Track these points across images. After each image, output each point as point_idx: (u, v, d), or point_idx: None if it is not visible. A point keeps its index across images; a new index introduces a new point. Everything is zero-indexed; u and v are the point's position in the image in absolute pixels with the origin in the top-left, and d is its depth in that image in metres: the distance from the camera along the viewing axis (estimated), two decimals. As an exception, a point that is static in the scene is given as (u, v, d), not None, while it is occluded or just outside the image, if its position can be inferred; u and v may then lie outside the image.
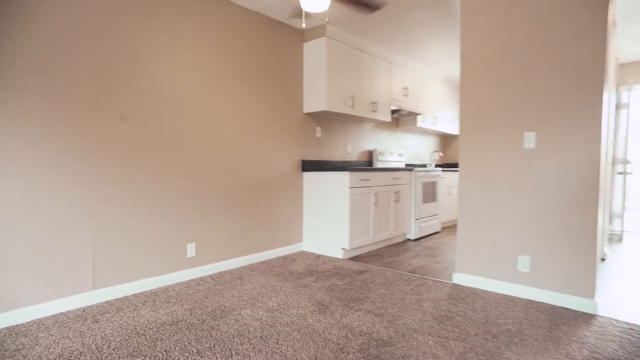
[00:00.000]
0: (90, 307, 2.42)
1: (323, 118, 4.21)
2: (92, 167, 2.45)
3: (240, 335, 2.01)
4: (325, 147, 4.26)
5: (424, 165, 6.20)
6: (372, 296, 2.62)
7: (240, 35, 3.31)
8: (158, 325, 2.14)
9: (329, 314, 2.30)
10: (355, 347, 1.88)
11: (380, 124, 5.19)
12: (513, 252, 2.64)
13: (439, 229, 5.17)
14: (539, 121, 2.52)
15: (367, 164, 4.93)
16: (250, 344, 1.92)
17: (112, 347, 1.87)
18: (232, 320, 2.20)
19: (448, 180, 5.52)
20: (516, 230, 2.63)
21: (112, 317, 2.26)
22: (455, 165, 6.80)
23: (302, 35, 3.92)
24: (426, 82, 5.59)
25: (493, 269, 2.73)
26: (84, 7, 2.38)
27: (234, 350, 1.85)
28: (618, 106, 4.19)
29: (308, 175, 3.95)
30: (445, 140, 7.04)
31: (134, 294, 2.65)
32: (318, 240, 3.88)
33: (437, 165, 6.72)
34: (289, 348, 1.87)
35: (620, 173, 4.41)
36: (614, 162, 4.08)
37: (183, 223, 2.94)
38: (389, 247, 4.23)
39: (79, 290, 2.42)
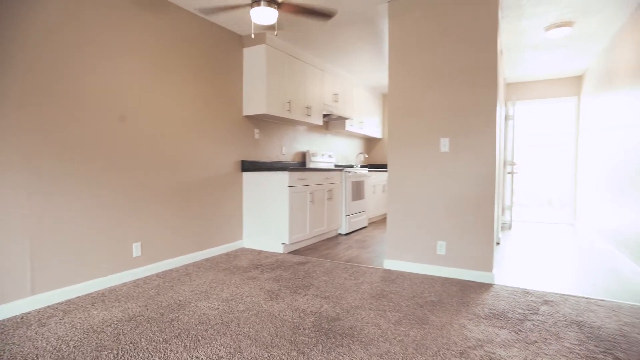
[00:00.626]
0: (29, 313, 2.33)
1: (261, 120, 4.41)
2: (29, 165, 2.36)
3: (203, 323, 2.16)
4: (262, 148, 4.46)
5: (351, 166, 6.71)
6: (315, 283, 2.92)
7: (182, 38, 3.37)
8: (115, 322, 2.18)
9: (280, 300, 2.54)
10: (309, 324, 2.17)
11: (312, 127, 5.54)
12: (433, 239, 3.16)
13: (366, 224, 5.69)
14: (451, 129, 3.07)
15: (300, 164, 5.24)
16: (214, 329, 2.08)
17: (72, 346, 1.89)
18: (191, 312, 2.33)
19: (373, 180, 6.09)
20: (435, 221, 3.15)
21: (60, 319, 2.23)
22: (379, 166, 7.46)
23: (241, 41, 4.08)
24: (354, 89, 6.10)
25: (417, 254, 3.23)
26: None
27: (200, 335, 2.00)
28: (506, 118, 5.10)
29: (248, 175, 4.12)
30: (369, 142, 7.67)
31: (79, 297, 2.59)
32: (258, 236, 4.07)
33: (362, 166, 7.30)
34: (251, 330, 2.08)
35: (509, 173, 5.38)
36: (504, 164, 4.97)
37: (128, 223, 2.93)
38: (323, 241, 4.59)
39: (15, 296, 2.32)
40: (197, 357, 1.78)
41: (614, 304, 2.49)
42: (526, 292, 2.72)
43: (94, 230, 2.71)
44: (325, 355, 1.81)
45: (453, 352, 1.84)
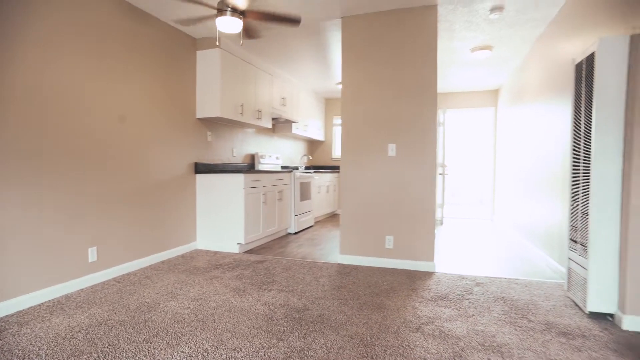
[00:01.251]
0: (-22, 326, 2.19)
1: (214, 123, 4.44)
2: (-16, 170, 2.22)
3: (178, 322, 2.23)
4: (214, 151, 4.50)
5: (296, 168, 6.93)
6: (277, 279, 3.10)
7: (136, 38, 3.32)
8: (84, 327, 2.15)
9: (248, 296, 2.68)
10: (281, 315, 2.35)
11: (261, 130, 5.66)
12: (382, 234, 3.51)
13: (312, 223, 5.96)
14: (398, 135, 3.45)
15: (249, 166, 5.33)
16: (191, 326, 2.17)
17: (43, 356, 1.85)
18: (162, 312, 2.37)
19: (318, 181, 6.38)
20: (384, 218, 3.51)
21: (17, 331, 2.13)
22: (322, 167, 7.78)
23: (195, 43, 4.09)
24: (300, 94, 6.33)
25: (368, 249, 3.56)
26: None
27: (179, 333, 2.08)
28: (438, 124, 5.71)
29: (202, 177, 4.14)
30: (312, 145, 7.95)
31: (32, 307, 2.47)
32: (213, 237, 4.11)
33: (306, 168, 7.57)
34: (228, 324, 2.21)
35: (440, 174, 6.02)
36: (437, 166, 5.57)
37: (83, 227, 2.84)
38: (275, 240, 4.75)
39: (-38, 308, 2.17)
40: (182, 351, 1.87)
41: (527, 281, 3.04)
42: (461, 277, 3.17)
43: (46, 236, 2.59)
44: (302, 340, 2.01)
45: (410, 329, 2.16)
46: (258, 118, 4.85)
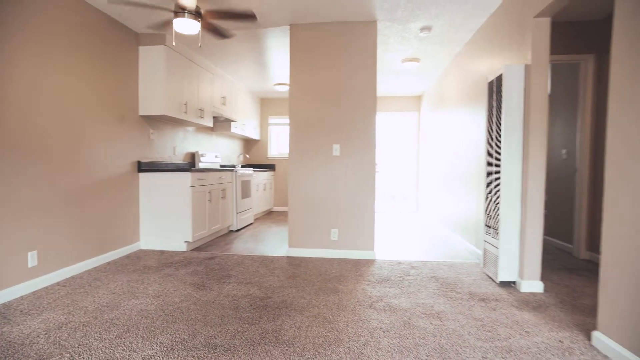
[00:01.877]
0: None
1: (156, 121, 4.34)
2: None
3: (146, 317, 2.27)
4: (156, 149, 4.40)
5: (233, 166, 6.96)
6: (233, 273, 3.23)
7: (74, 27, 3.16)
8: (42, 332, 2.09)
9: (209, 290, 2.79)
10: (246, 304, 2.52)
11: (201, 128, 5.62)
12: (327, 228, 3.82)
13: (252, 221, 6.08)
14: (342, 137, 3.78)
15: (190, 164, 5.28)
16: (161, 320, 2.24)
17: None
18: (126, 310, 2.38)
19: (257, 179, 6.50)
20: (329, 212, 3.82)
21: (-37, 340, 2.00)
22: (257, 166, 7.88)
23: (137, 38, 3.97)
24: (239, 93, 6.38)
25: (315, 241, 3.84)
26: None
27: (151, 327, 2.14)
28: (369, 127, 6.22)
29: (145, 176, 4.04)
30: (249, 143, 8.01)
31: (-29, 316, 2.29)
32: (158, 237, 4.05)
33: (243, 166, 7.61)
34: (197, 315, 2.32)
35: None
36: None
37: (21, 230, 2.66)
38: (219, 237, 4.80)
39: None
40: (160, 342, 1.95)
41: (451, 263, 3.59)
42: (399, 262, 3.62)
43: (-14, 240, 2.41)
44: (272, 322, 2.22)
45: (364, 306, 2.49)
46: (200, 117, 4.84)
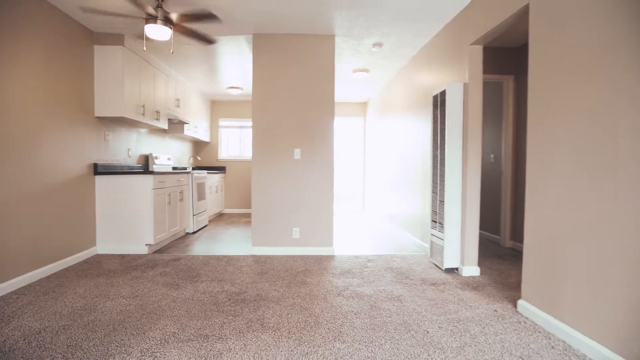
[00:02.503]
0: None
1: (111, 122, 4.25)
2: None
3: (129, 317, 2.34)
4: (112, 151, 4.30)
5: (184, 168, 6.88)
6: (202, 272, 3.34)
7: (21, 18, 3.06)
8: (20, 338, 2.07)
9: (184, 288, 2.89)
10: (224, 299, 2.68)
11: (153, 130, 5.52)
12: (290, 226, 4.06)
13: (207, 223, 6.09)
14: (303, 141, 4.04)
15: (144, 167, 5.18)
16: (145, 318, 2.32)
17: (-8, 363, 1.81)
18: (105, 312, 2.42)
19: (210, 181, 6.51)
20: (291, 212, 4.06)
21: None
22: (209, 168, 7.84)
23: (92, 37, 3.88)
24: (191, 95, 6.35)
25: (278, 240, 4.06)
26: None
27: (137, 324, 2.22)
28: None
29: (103, 179, 3.95)
30: (198, 145, 7.93)
31: None
32: (117, 240, 3.98)
33: (194, 168, 7.53)
34: (180, 311, 2.43)
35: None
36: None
37: (-18, 236, 2.56)
38: (178, 240, 4.80)
39: None
40: (152, 337, 2.06)
41: (402, 255, 4.03)
42: (356, 257, 3.97)
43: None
44: (254, 313, 2.41)
45: (333, 294, 2.78)
46: (157, 119, 4.80)
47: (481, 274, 3.33)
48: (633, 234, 1.65)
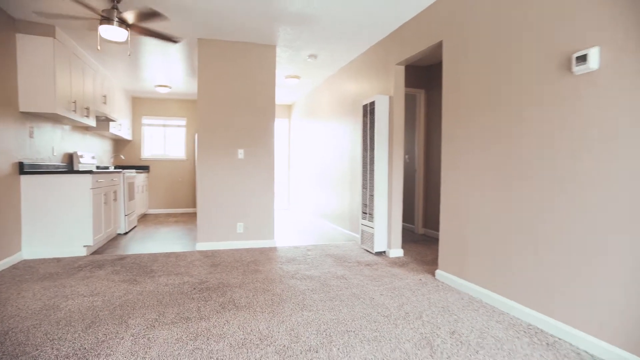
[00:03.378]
0: None
1: (36, 118, 4.00)
2: None
3: (102, 311, 2.43)
4: (37, 149, 4.05)
5: (107, 167, 6.53)
6: (156, 268, 3.44)
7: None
8: (-6, 335, 2.07)
9: (144, 283, 3.00)
10: (189, 289, 2.89)
11: (76, 127, 5.22)
12: (234, 222, 4.31)
13: (137, 223, 5.93)
14: (245, 142, 4.32)
15: (69, 166, 4.90)
16: (119, 310, 2.44)
17: (-27, 361, 1.83)
18: (72, 309, 2.45)
19: (138, 181, 6.31)
20: (235, 209, 4.31)
21: None
22: (132, 167, 7.50)
23: (14, 24, 3.63)
24: (116, 92, 6.08)
25: (223, 235, 4.28)
26: None
27: (114, 315, 2.34)
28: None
29: (31, 179, 3.72)
30: (120, 144, 7.52)
31: None
32: (49, 244, 3.78)
33: (116, 167, 7.14)
34: (152, 301, 2.59)
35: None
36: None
37: None
38: (112, 240, 4.67)
39: None
40: (136, 325, 2.23)
41: (336, 244, 4.57)
42: (296, 247, 4.40)
43: None
44: (224, 297, 2.69)
45: (287, 277, 3.17)
46: (87, 116, 4.60)
47: (404, 254, 4.03)
48: (513, 218, 2.39)
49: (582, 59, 1.91)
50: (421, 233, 5.35)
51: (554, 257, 2.09)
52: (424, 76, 5.26)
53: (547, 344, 2.00)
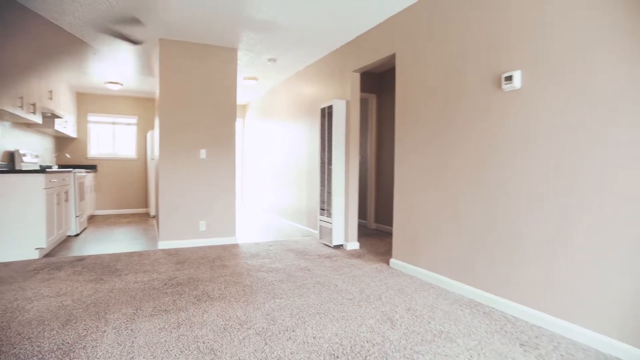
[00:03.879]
0: None
1: (-20, 115, 3.78)
2: None
3: (74, 309, 2.45)
4: (-20, 147, 3.83)
5: (50, 167, 6.19)
6: (120, 267, 3.44)
7: None
8: (-36, 337, 2.05)
9: (112, 281, 3.03)
10: (161, 284, 2.97)
11: (16, 124, 4.93)
12: (196, 220, 4.39)
13: (87, 225, 5.71)
14: (208, 142, 4.41)
15: (9, 165, 4.63)
16: (94, 307, 2.48)
17: (-51, 362, 1.83)
18: (41, 309, 2.45)
19: (87, 181, 6.06)
20: (197, 207, 4.39)
21: None
22: (78, 167, 7.13)
23: (-39, 19, 3.43)
24: (61, 87, 5.79)
25: (185, 233, 4.34)
26: None
27: (91, 312, 2.39)
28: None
29: (-24, 179, 3.53)
30: (64, 142, 7.11)
31: None
32: (-2, 247, 3.61)
33: (60, 167, 6.76)
34: (125, 297, 2.65)
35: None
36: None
37: None
38: (64, 242, 4.51)
39: None
40: (115, 319, 2.30)
41: (295, 239, 4.82)
42: (257, 243, 4.57)
43: None
44: (196, 290, 2.82)
45: (254, 270, 3.36)
46: (33, 112, 4.40)
47: (360, 247, 4.38)
48: (450, 213, 2.79)
49: (509, 78, 2.34)
50: (374, 228, 5.76)
51: (483, 244, 2.52)
52: (376, 82, 5.67)
53: (484, 312, 2.42)
